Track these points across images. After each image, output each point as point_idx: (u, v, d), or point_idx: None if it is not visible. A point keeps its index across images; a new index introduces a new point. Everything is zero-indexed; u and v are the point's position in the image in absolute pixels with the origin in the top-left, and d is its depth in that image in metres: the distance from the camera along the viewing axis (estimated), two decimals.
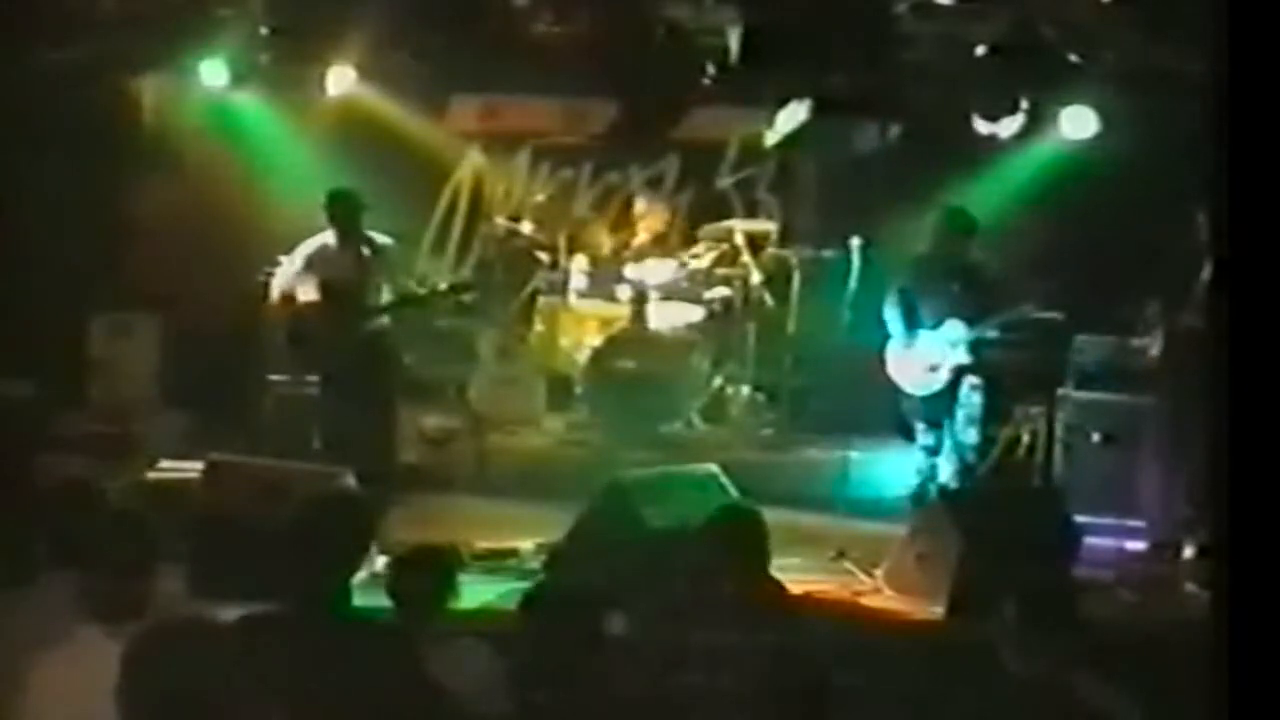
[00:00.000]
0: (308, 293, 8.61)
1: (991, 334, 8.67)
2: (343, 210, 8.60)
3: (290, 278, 8.68)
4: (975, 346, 8.62)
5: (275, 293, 8.74)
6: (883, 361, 8.76)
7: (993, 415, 8.92)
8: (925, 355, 8.65)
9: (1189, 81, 8.37)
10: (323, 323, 8.58)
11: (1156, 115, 9.51)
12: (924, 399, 8.74)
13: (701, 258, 10.38)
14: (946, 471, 8.71)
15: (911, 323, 8.68)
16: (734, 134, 11.26)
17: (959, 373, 8.66)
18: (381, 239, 8.74)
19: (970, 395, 8.76)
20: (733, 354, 10.42)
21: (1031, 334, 8.92)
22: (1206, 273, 7.48)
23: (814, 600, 6.76)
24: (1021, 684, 4.38)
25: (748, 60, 9.18)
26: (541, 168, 11.42)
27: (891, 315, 8.73)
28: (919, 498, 8.58)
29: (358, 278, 8.63)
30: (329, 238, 8.68)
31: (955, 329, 8.59)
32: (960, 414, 8.75)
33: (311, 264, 8.66)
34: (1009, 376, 8.92)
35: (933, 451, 8.76)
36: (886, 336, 8.77)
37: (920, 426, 8.82)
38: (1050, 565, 6.42)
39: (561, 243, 10.66)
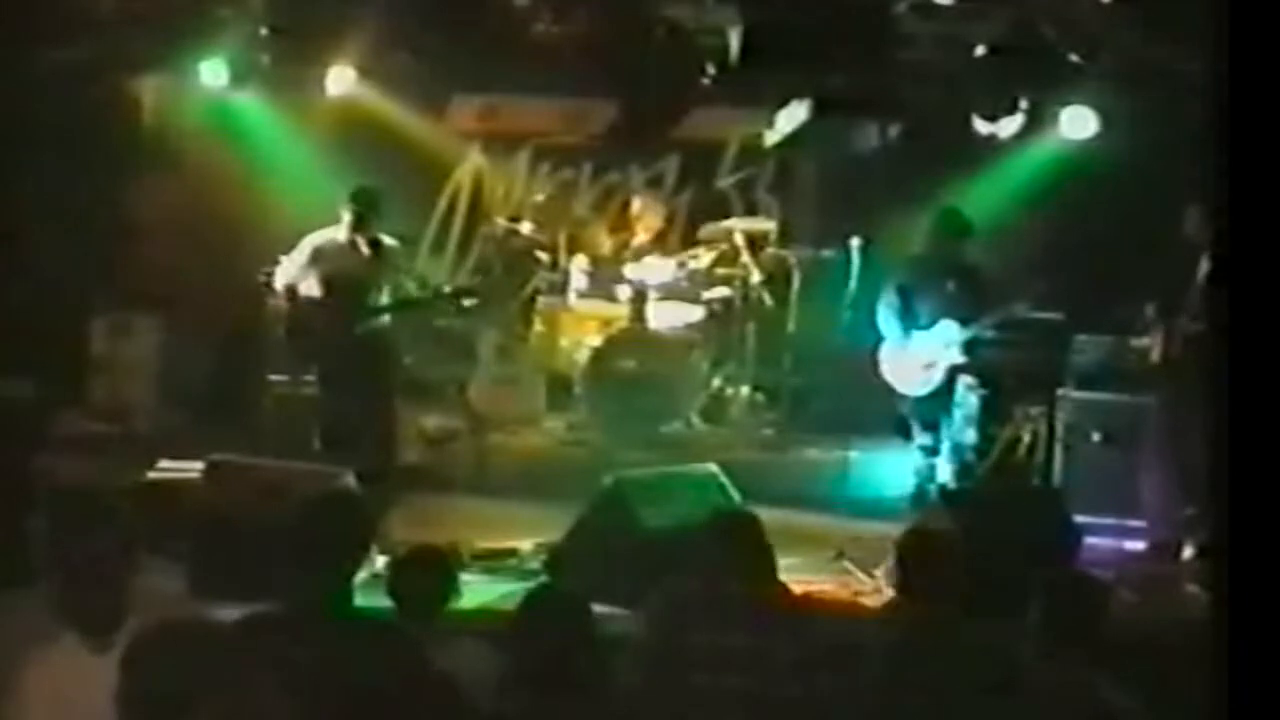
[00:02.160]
0: (310, 287, 8.60)
1: (987, 333, 8.65)
2: (364, 208, 8.56)
3: (294, 270, 8.65)
4: (970, 346, 8.61)
5: (279, 284, 8.70)
6: (876, 363, 8.75)
7: (992, 415, 8.90)
8: (919, 356, 8.64)
9: (1189, 81, 8.37)
10: (324, 319, 8.56)
11: (1156, 115, 9.52)
12: (919, 400, 8.74)
13: (701, 258, 10.38)
14: (946, 472, 8.70)
15: (905, 324, 8.67)
16: (734, 134, 11.27)
17: (953, 373, 8.64)
18: (386, 239, 8.73)
19: (967, 395, 8.74)
20: (733, 354, 10.42)
21: (1030, 334, 8.91)
22: (1206, 273, 7.48)
23: (814, 600, 6.75)
24: (1022, 684, 4.38)
25: (748, 60, 9.18)
26: (541, 168, 11.44)
27: (885, 316, 8.72)
28: (919, 498, 8.57)
29: (362, 276, 8.61)
30: (337, 233, 8.64)
31: (949, 329, 8.57)
32: (958, 414, 8.73)
33: (317, 258, 8.63)
34: (1008, 376, 8.91)
35: (930, 452, 8.74)
36: (880, 338, 8.76)
37: (917, 427, 8.81)
38: (1050, 566, 6.42)
39: (561, 243, 10.66)
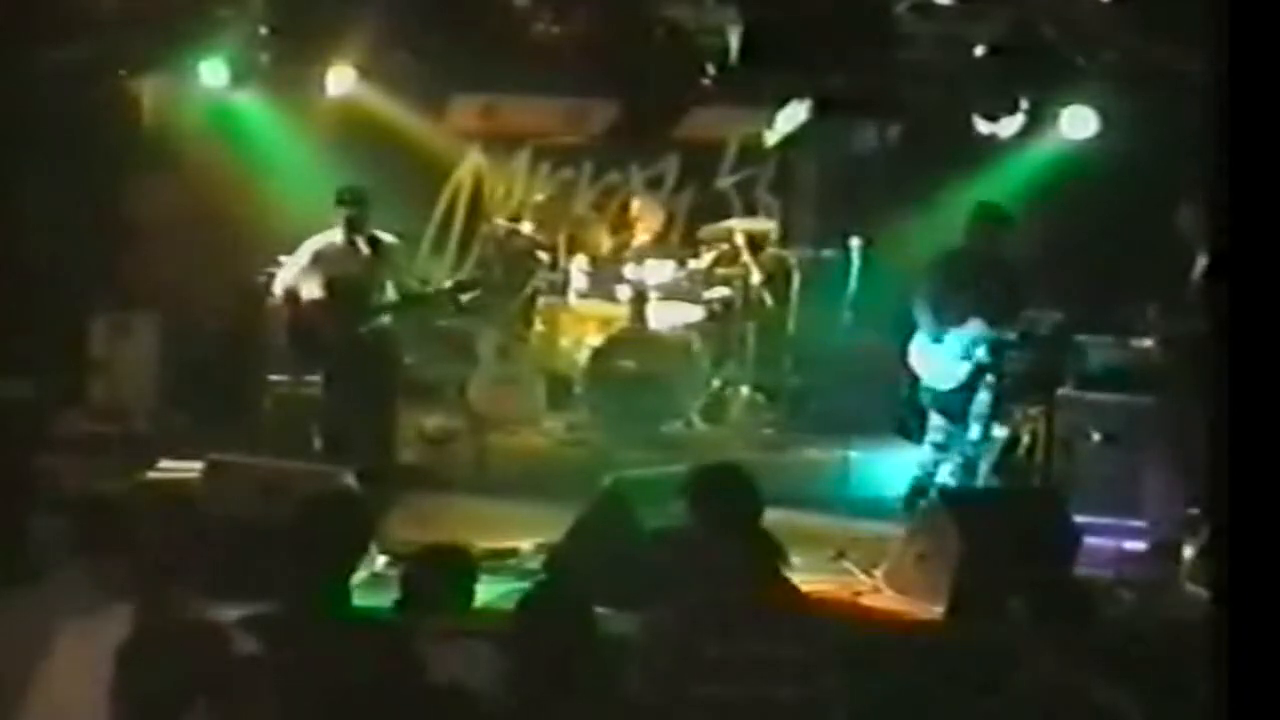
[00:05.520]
0: (312, 290, 8.60)
1: (1010, 335, 8.58)
2: (355, 207, 8.58)
3: (295, 274, 8.66)
4: (996, 347, 8.54)
5: (279, 289, 8.71)
6: (904, 354, 8.69)
7: (996, 415, 8.89)
8: (949, 350, 8.57)
9: (1189, 81, 8.37)
10: (327, 321, 8.56)
11: (1156, 115, 9.52)
12: (942, 393, 8.66)
13: (701, 258, 10.39)
14: (947, 471, 8.69)
15: (939, 317, 8.57)
16: (734, 134, 11.29)
17: (980, 370, 8.58)
18: (386, 238, 8.73)
19: (984, 395, 8.66)
20: (733, 354, 10.42)
21: (1033, 334, 8.89)
22: (1205, 272, 7.48)
23: (813, 600, 6.74)
24: (1021, 684, 4.38)
25: (748, 60, 9.18)
26: (541, 168, 11.46)
27: (921, 307, 8.62)
28: (919, 497, 8.55)
29: (363, 276, 8.62)
30: (335, 235, 8.66)
31: (980, 327, 8.50)
32: (973, 413, 8.68)
33: (317, 261, 8.64)
34: (1010, 376, 8.89)
35: (941, 448, 8.70)
36: (912, 328, 8.69)
37: (936, 422, 8.73)
38: (1050, 566, 6.42)
39: (561, 243, 10.67)
